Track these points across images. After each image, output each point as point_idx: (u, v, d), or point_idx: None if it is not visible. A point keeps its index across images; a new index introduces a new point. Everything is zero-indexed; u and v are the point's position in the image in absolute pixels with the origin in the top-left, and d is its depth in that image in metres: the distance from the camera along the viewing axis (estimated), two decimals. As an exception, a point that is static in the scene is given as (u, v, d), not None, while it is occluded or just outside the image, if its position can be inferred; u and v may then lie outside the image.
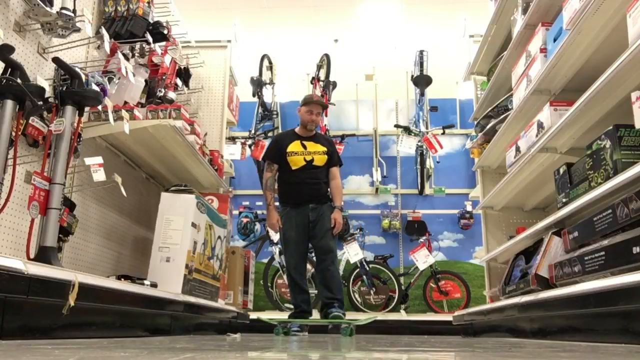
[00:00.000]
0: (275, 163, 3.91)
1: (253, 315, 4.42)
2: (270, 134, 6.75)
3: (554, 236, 2.58)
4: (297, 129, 4.03)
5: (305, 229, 3.79)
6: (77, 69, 2.46)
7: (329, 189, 3.94)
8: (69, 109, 2.23)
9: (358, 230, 6.16)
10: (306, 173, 3.85)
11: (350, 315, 4.02)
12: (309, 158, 3.88)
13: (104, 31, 2.92)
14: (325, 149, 3.96)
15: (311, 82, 6.79)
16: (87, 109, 2.68)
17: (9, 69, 2.04)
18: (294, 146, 3.90)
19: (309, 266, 5.86)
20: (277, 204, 3.96)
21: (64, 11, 2.56)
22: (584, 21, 2.18)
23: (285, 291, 5.89)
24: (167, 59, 3.47)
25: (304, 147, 3.92)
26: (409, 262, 5.99)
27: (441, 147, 6.13)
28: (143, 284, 2.72)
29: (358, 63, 6.93)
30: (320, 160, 3.90)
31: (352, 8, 6.29)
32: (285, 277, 5.79)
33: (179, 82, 3.78)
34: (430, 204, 6.59)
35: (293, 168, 3.85)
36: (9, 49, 2.07)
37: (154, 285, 2.81)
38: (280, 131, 6.90)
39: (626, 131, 1.95)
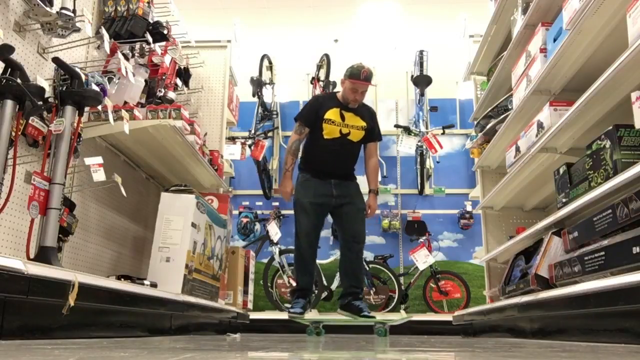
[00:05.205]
0: (307, 126, 3.56)
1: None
2: (270, 134, 6.75)
3: (554, 236, 2.58)
4: (339, 95, 3.61)
5: (326, 203, 3.51)
6: (77, 69, 2.46)
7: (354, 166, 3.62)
8: (68, 109, 2.23)
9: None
10: (338, 146, 3.52)
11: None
12: (345, 131, 3.52)
13: (103, 31, 2.92)
14: (364, 123, 3.58)
15: (311, 82, 6.79)
16: (87, 109, 2.68)
17: (9, 69, 2.04)
18: (333, 113, 3.52)
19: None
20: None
21: (64, 11, 2.56)
22: (584, 21, 2.18)
23: (285, 291, 5.90)
24: (167, 59, 3.47)
25: (342, 117, 3.53)
26: (409, 262, 5.99)
27: (441, 147, 6.13)
28: (143, 284, 2.72)
29: (358, 63, 6.92)
30: (356, 135, 3.55)
31: (352, 8, 6.29)
32: (285, 276, 5.83)
33: (179, 82, 3.77)
34: (430, 204, 6.59)
35: (325, 137, 3.50)
36: (9, 49, 2.07)
37: (153, 285, 2.81)
38: (280, 131, 6.92)
39: (626, 131, 1.95)
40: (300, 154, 3.68)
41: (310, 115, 3.57)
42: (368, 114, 3.66)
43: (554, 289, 2.28)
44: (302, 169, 3.64)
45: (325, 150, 3.54)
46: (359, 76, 3.44)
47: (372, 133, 3.65)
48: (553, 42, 2.56)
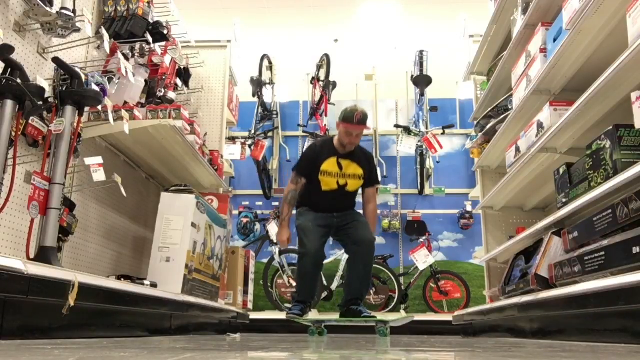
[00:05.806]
0: (304, 177, 3.53)
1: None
2: (270, 134, 6.75)
3: (554, 236, 2.58)
4: (335, 141, 3.55)
5: (329, 224, 3.50)
6: (77, 69, 2.46)
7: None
8: (68, 109, 2.23)
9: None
10: (335, 196, 3.51)
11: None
12: (342, 182, 3.48)
13: (103, 31, 2.92)
14: (361, 171, 3.52)
15: (311, 82, 6.80)
16: (87, 109, 2.68)
17: (9, 69, 2.04)
18: (330, 164, 3.47)
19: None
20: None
21: (63, 11, 2.56)
22: (584, 21, 2.18)
23: (285, 291, 5.90)
24: (167, 59, 3.47)
25: (340, 167, 3.49)
26: (409, 262, 5.99)
27: (441, 147, 6.13)
28: (143, 284, 2.72)
29: (358, 63, 6.94)
30: (354, 185, 3.52)
31: (352, 8, 6.29)
32: (285, 276, 5.83)
33: (179, 82, 3.77)
34: (430, 204, 6.59)
35: (323, 189, 3.48)
36: (9, 49, 2.07)
37: (153, 285, 2.81)
38: (280, 131, 6.92)
39: (626, 131, 1.95)
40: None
41: (307, 167, 3.53)
42: (365, 159, 3.61)
43: (554, 289, 2.28)
44: (300, 204, 3.61)
45: (324, 200, 3.52)
46: (353, 120, 3.38)
47: (370, 179, 3.59)
48: (553, 42, 2.56)
